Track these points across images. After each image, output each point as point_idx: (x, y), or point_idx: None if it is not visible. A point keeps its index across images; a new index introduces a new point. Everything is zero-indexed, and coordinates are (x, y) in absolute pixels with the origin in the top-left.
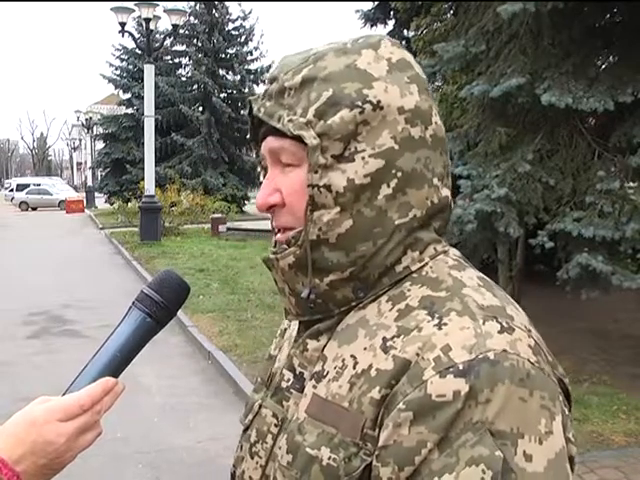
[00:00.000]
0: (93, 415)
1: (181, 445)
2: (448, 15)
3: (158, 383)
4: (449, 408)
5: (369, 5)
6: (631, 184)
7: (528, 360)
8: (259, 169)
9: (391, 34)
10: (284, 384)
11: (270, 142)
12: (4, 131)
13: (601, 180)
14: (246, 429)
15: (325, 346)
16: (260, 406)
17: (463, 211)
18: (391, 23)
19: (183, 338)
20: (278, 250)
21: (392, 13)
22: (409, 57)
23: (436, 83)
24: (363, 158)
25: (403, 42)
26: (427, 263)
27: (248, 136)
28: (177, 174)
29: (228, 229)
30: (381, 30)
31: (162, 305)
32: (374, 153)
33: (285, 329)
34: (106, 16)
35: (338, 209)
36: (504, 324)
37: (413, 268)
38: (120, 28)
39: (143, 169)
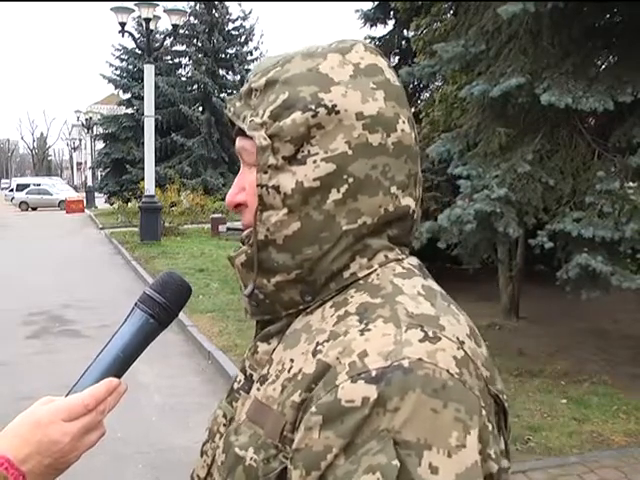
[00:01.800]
0: (97, 415)
1: (181, 445)
2: (448, 15)
3: (158, 383)
4: (356, 414)
5: (369, 5)
6: (631, 184)
7: (447, 371)
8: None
9: (391, 34)
10: (236, 385)
11: (237, 141)
12: (4, 131)
13: (601, 180)
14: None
15: (274, 350)
16: (218, 407)
17: (462, 211)
18: (391, 23)
19: (183, 338)
20: (236, 248)
21: (392, 13)
22: (383, 64)
23: (436, 83)
24: (314, 161)
25: (403, 42)
26: (375, 270)
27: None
28: (177, 174)
29: (228, 229)
30: (381, 30)
31: (164, 306)
32: (326, 157)
33: None
34: (106, 16)
35: (286, 210)
36: (429, 333)
37: (360, 275)
38: (120, 28)
39: (143, 169)
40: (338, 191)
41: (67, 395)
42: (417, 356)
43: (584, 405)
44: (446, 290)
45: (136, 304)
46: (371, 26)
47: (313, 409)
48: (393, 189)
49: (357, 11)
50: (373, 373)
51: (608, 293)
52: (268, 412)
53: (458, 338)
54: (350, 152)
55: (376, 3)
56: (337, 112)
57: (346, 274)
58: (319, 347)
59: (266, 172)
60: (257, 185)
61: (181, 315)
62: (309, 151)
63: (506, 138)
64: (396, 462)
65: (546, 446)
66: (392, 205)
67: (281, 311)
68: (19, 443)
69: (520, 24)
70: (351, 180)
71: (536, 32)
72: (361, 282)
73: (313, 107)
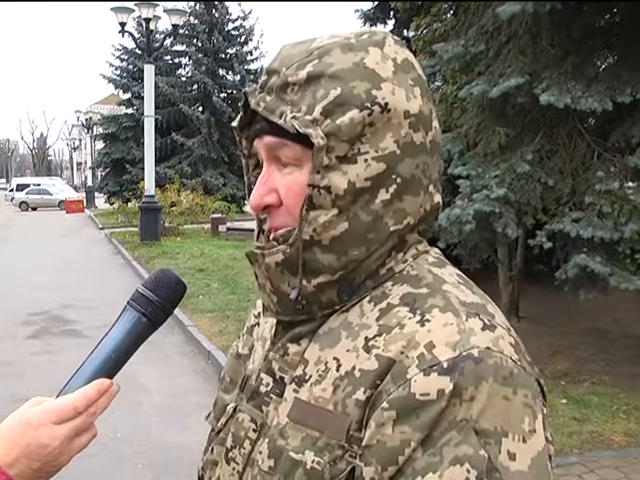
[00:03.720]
0: (88, 417)
1: (180, 445)
2: (448, 15)
3: (158, 383)
4: (433, 407)
5: (369, 5)
6: (630, 184)
7: (511, 358)
8: (244, 161)
9: (391, 34)
10: (263, 389)
11: (268, 139)
12: (4, 131)
13: (600, 180)
14: (219, 432)
15: (306, 350)
16: (235, 409)
17: (462, 211)
18: (391, 23)
19: (183, 338)
20: (266, 246)
21: (392, 13)
22: (412, 57)
23: (436, 83)
24: (366, 160)
25: (403, 42)
26: (408, 262)
27: (234, 123)
28: (177, 174)
29: (228, 229)
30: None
31: (158, 305)
32: (377, 156)
33: (252, 326)
34: (106, 16)
35: (335, 211)
36: (486, 321)
37: (396, 269)
38: (120, 28)
39: (143, 169)
40: (387, 191)
41: (58, 396)
42: (485, 345)
43: (584, 405)
44: None
45: (128, 302)
46: (371, 26)
47: (385, 405)
48: (430, 187)
49: (357, 11)
50: (445, 364)
51: (606, 294)
52: (323, 413)
53: (506, 325)
54: (398, 151)
55: (376, 3)
56: (388, 110)
57: (382, 270)
58: (371, 342)
59: (318, 172)
60: (309, 185)
61: (181, 315)
62: (360, 149)
63: (506, 138)
64: (483, 453)
65: None
66: (429, 204)
67: (317, 312)
68: (7, 446)
69: (519, 24)
70: (399, 180)
71: (535, 32)
72: (397, 275)
73: (369, 105)
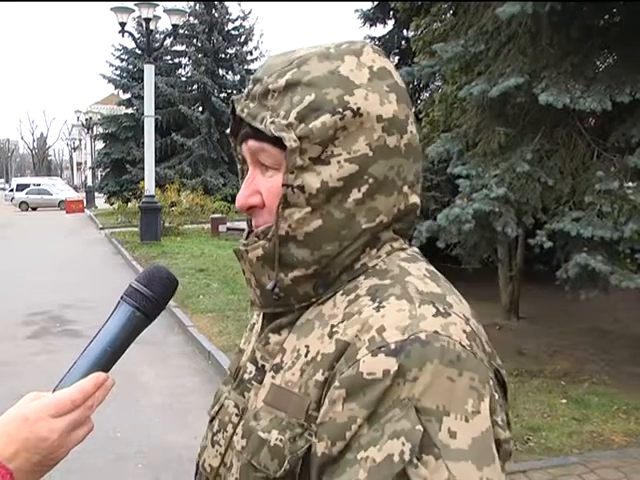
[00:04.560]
0: (85, 410)
1: (181, 445)
2: (448, 15)
3: (158, 383)
4: (378, 385)
5: (369, 5)
6: (630, 184)
7: (460, 343)
8: (239, 167)
9: (391, 34)
10: (246, 376)
11: (251, 144)
12: (4, 131)
13: (600, 180)
14: (212, 420)
15: (285, 340)
16: (225, 398)
17: (461, 210)
18: (391, 23)
19: (183, 338)
20: (249, 242)
21: (392, 13)
22: (390, 66)
23: (436, 83)
24: (339, 162)
25: (403, 42)
26: (381, 258)
27: (227, 131)
28: (177, 174)
29: (228, 229)
30: (380, 30)
31: (152, 299)
32: (349, 158)
33: (254, 324)
34: (106, 16)
35: (309, 209)
36: (440, 309)
37: (370, 265)
38: (120, 28)
39: (143, 169)
40: (359, 191)
41: (54, 390)
42: (433, 329)
43: (584, 405)
44: None
45: (122, 298)
46: (371, 26)
47: (336, 383)
48: (405, 188)
49: (357, 11)
50: (392, 346)
51: (607, 293)
52: (289, 395)
53: (464, 315)
54: (371, 154)
55: (376, 3)
56: (360, 115)
57: (357, 265)
58: (335, 329)
59: (292, 172)
60: (283, 185)
61: (181, 315)
62: (332, 152)
63: (505, 138)
64: (420, 427)
65: (546, 446)
66: (403, 204)
67: (295, 304)
68: (6, 441)
69: (519, 24)
70: (371, 180)
71: (535, 32)
72: (370, 270)
73: (341, 110)
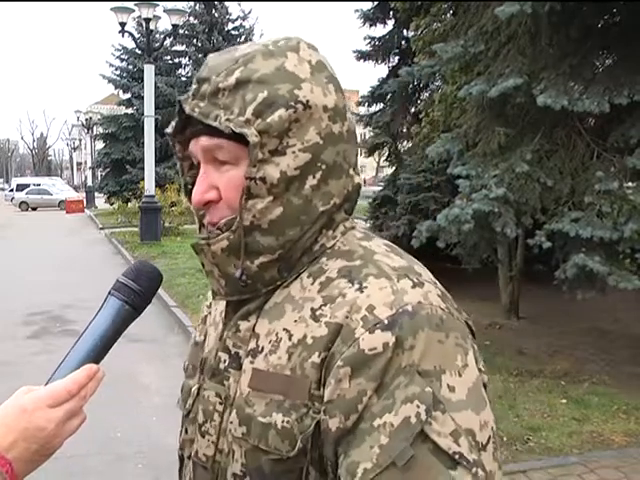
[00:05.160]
0: (79, 401)
1: None
2: (447, 15)
3: (158, 383)
4: (381, 358)
5: (369, 5)
6: (629, 184)
7: (440, 307)
8: (179, 164)
9: (391, 34)
10: (221, 365)
11: (204, 141)
12: (4, 131)
13: (600, 180)
14: (188, 413)
15: (255, 325)
16: (199, 390)
17: (461, 211)
18: (391, 23)
19: (183, 338)
20: (210, 235)
21: (392, 13)
22: (324, 58)
23: (436, 83)
24: (294, 152)
25: (403, 42)
26: (338, 239)
27: (167, 130)
28: (177, 174)
29: None
30: (380, 30)
31: (140, 293)
32: (303, 147)
33: (205, 316)
34: (106, 16)
35: (271, 198)
36: (415, 280)
37: (328, 245)
38: (120, 28)
39: (143, 169)
40: (314, 177)
41: (47, 383)
42: (416, 300)
43: (584, 405)
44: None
45: (110, 292)
46: (370, 26)
47: (340, 363)
48: (350, 171)
49: (357, 11)
50: (385, 322)
51: (604, 293)
52: (282, 378)
53: (432, 279)
54: (321, 142)
55: (376, 3)
56: (310, 107)
57: (316, 247)
58: (318, 312)
59: (255, 165)
60: (246, 178)
61: (181, 315)
62: (288, 143)
63: (505, 138)
64: (429, 389)
65: (546, 446)
66: (351, 185)
67: (262, 289)
68: (4, 431)
69: (519, 24)
70: (324, 167)
71: (534, 32)
72: (329, 251)
73: (293, 103)
